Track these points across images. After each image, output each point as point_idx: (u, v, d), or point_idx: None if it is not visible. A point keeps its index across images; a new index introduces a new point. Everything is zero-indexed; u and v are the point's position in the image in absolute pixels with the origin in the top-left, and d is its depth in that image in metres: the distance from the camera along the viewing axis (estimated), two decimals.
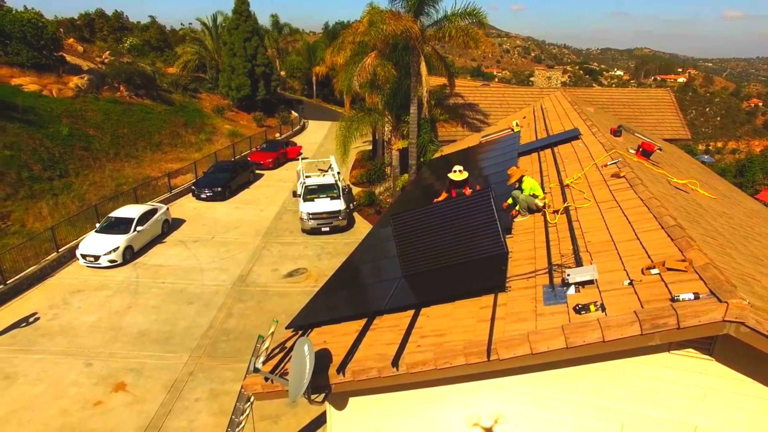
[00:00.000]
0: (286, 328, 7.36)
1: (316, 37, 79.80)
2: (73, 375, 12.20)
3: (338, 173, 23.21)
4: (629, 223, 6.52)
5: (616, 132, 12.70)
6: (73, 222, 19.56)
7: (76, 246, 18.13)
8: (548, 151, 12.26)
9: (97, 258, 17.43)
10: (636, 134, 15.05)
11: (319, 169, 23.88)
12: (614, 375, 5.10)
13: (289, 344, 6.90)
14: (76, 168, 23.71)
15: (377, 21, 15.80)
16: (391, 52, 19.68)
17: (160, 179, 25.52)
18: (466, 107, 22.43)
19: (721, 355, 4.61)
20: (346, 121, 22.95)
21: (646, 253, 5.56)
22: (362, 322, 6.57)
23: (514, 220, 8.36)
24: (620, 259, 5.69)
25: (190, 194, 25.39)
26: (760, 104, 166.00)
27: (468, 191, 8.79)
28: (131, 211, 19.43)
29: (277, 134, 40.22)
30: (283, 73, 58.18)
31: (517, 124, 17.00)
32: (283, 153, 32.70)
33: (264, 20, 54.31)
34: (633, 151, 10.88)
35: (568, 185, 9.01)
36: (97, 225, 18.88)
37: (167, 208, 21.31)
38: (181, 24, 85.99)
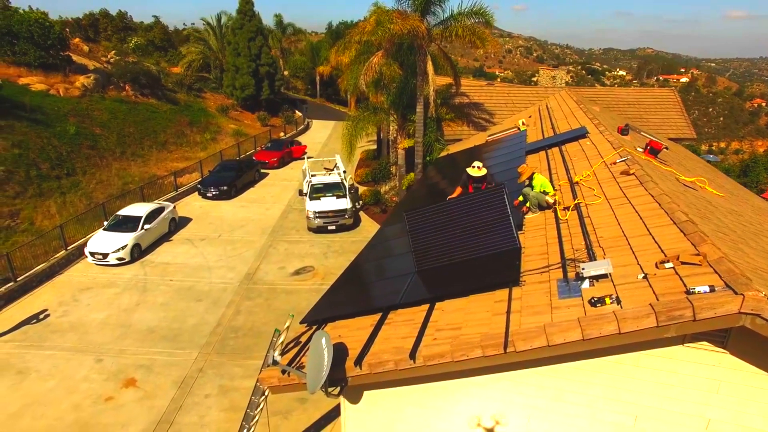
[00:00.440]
0: (301, 323, 7.45)
1: (320, 37, 79.88)
2: (84, 371, 12.32)
3: (344, 172, 23.31)
4: (641, 218, 6.59)
5: (624, 131, 12.76)
6: (81, 220, 19.70)
7: (85, 244, 18.26)
8: (556, 149, 12.34)
9: (105, 256, 17.56)
10: (642, 133, 15.10)
11: (325, 168, 23.98)
12: (628, 368, 5.16)
13: (303, 339, 6.99)
14: (83, 167, 23.85)
15: (384, 20, 15.87)
16: (397, 52, 19.76)
17: (166, 178, 25.66)
18: (472, 106, 22.51)
19: (735, 348, 4.67)
20: (353, 120, 23.04)
21: (659, 247, 5.63)
22: (377, 316, 6.65)
23: (525, 216, 8.44)
24: (633, 253, 5.77)
25: (196, 193, 25.53)
26: (764, 104, 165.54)
27: (484, 186, 8.84)
28: (139, 209, 19.56)
29: (281, 134, 40.34)
30: (286, 72, 58.31)
31: (523, 123, 17.07)
32: (287, 152, 32.79)
33: (268, 20, 54.44)
34: (641, 150, 10.94)
35: (577, 182, 9.09)
36: (105, 223, 19.00)
37: (174, 207, 21.44)
38: (184, 24, 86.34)
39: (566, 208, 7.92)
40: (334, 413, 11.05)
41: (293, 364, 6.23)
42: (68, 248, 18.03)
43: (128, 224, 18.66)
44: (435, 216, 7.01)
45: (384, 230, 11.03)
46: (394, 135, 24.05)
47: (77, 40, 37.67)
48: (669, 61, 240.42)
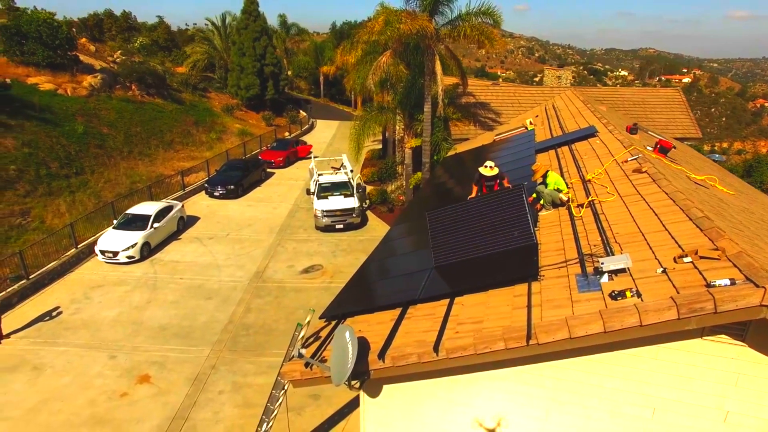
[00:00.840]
0: (320, 318, 7.57)
1: (323, 38, 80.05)
2: (98, 367, 12.47)
3: (351, 171, 23.43)
4: (656, 215, 6.69)
5: (632, 130, 12.87)
6: (90, 219, 19.85)
7: (95, 242, 18.43)
8: (566, 148, 12.44)
9: (115, 254, 17.71)
10: (650, 132, 15.19)
11: (332, 167, 24.11)
12: (646, 361, 5.26)
13: (323, 334, 7.11)
14: (92, 166, 24.01)
15: (393, 20, 16.00)
16: (403, 52, 19.88)
17: (174, 177, 25.82)
18: (478, 106, 22.62)
19: (754, 341, 4.77)
20: (361, 119, 23.19)
21: (677, 243, 5.74)
22: (396, 311, 6.77)
23: (539, 213, 8.56)
24: (650, 248, 5.87)
25: (203, 192, 25.69)
26: (767, 105, 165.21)
27: (497, 187, 8.95)
28: (148, 208, 19.71)
29: (286, 133, 40.51)
30: (290, 73, 58.46)
31: (530, 123, 17.17)
32: (293, 152, 32.96)
33: (272, 20, 54.65)
34: (650, 148, 11.04)
35: (589, 180, 9.19)
36: (115, 222, 19.16)
37: (182, 206, 21.59)
38: (186, 24, 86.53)
39: (580, 206, 8.03)
40: (347, 410, 11.19)
41: (316, 358, 6.34)
42: (78, 246, 18.19)
43: (137, 223, 18.82)
44: (455, 214, 7.14)
45: (398, 228, 11.15)
46: (401, 134, 24.18)
47: (84, 40, 37.87)
48: (671, 61, 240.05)
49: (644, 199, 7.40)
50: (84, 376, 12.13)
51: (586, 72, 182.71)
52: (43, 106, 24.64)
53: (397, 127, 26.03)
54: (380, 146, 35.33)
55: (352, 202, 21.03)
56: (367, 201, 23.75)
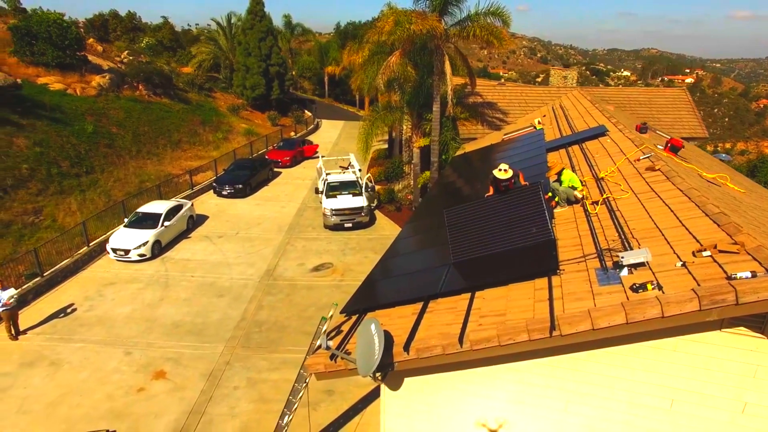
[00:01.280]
0: (341, 312, 7.73)
1: (327, 38, 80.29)
2: (114, 363, 12.64)
3: (359, 170, 23.61)
4: (672, 211, 6.83)
5: (642, 129, 13.00)
6: (101, 217, 20.05)
7: (106, 240, 18.61)
8: (576, 147, 12.58)
9: (127, 252, 17.90)
10: (658, 132, 15.33)
11: (340, 167, 24.29)
12: (666, 353, 5.39)
13: (345, 328, 7.27)
14: (101, 165, 24.22)
15: (404, 20, 16.16)
16: (412, 52, 20.04)
17: (182, 176, 26.01)
18: (486, 106, 22.76)
19: None
20: (370, 118, 23.38)
21: (694, 237, 5.88)
22: (417, 305, 6.92)
23: (554, 211, 8.69)
24: (668, 243, 6.01)
25: (212, 191, 25.88)
26: None
27: (512, 186, 9.08)
28: (158, 206, 19.90)
29: (292, 133, 40.71)
30: (294, 73, 58.69)
31: (538, 122, 17.31)
32: (300, 151, 33.15)
33: (276, 21, 54.84)
34: (661, 147, 11.18)
35: (602, 178, 9.33)
36: (126, 220, 19.35)
37: (191, 204, 21.78)
38: (188, 25, 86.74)
39: (595, 203, 8.18)
40: (361, 405, 11.34)
41: (340, 351, 6.49)
42: (90, 245, 18.39)
43: (148, 221, 19.01)
44: (472, 211, 7.29)
45: (412, 225, 11.30)
46: (409, 134, 24.34)
47: (91, 40, 38.10)
48: (673, 61, 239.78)
49: (659, 196, 7.54)
50: (101, 371, 12.30)
51: (588, 72, 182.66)
52: (53, 106, 24.86)
53: (405, 127, 26.18)
54: (386, 146, 35.51)
55: (361, 201, 21.20)
56: (376, 200, 23.92)
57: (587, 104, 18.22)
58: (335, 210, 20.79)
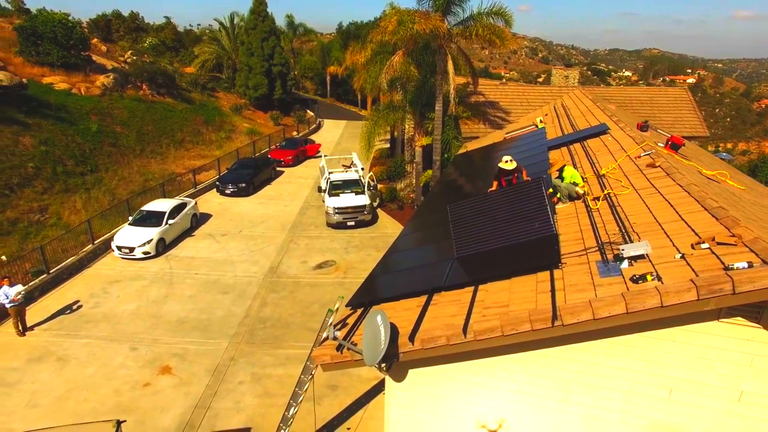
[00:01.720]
0: (346, 306, 7.86)
1: (329, 38, 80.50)
2: (120, 358, 12.79)
3: (362, 169, 23.76)
4: (671, 206, 6.96)
5: (643, 127, 13.13)
6: (105, 215, 20.23)
7: (111, 238, 18.80)
8: (578, 145, 12.71)
9: (132, 250, 18.06)
10: (659, 131, 15.45)
11: (343, 165, 24.45)
12: (665, 343, 5.52)
13: (350, 320, 7.40)
14: (105, 163, 24.40)
15: (407, 20, 16.31)
16: (414, 51, 20.19)
17: (185, 175, 26.19)
18: (487, 105, 22.90)
19: None
20: (372, 117, 23.55)
21: (693, 231, 6.01)
22: (422, 298, 7.06)
23: (556, 207, 8.82)
24: (668, 237, 6.14)
25: (215, 190, 26.07)
26: None
27: (515, 181, 9.22)
28: (162, 204, 20.07)
29: (294, 132, 40.89)
30: (296, 72, 58.88)
31: (540, 121, 17.42)
32: (302, 150, 33.33)
33: (279, 21, 55.06)
34: (662, 145, 11.30)
35: (603, 175, 9.46)
36: (130, 218, 19.52)
37: (195, 203, 21.94)
38: (189, 25, 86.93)
39: (596, 198, 8.31)
40: (364, 399, 11.48)
41: (347, 341, 6.63)
42: (95, 242, 18.56)
43: (153, 219, 19.17)
44: (475, 207, 7.42)
45: (415, 222, 11.44)
46: (411, 133, 24.48)
47: (95, 40, 38.34)
48: (675, 61, 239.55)
49: (659, 192, 7.67)
50: (107, 366, 12.45)
51: (590, 72, 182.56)
52: (58, 105, 25.07)
53: (407, 126, 26.33)
54: (388, 145, 35.67)
55: (363, 200, 21.35)
56: (378, 199, 24.06)
57: (589, 103, 18.34)
58: (338, 208, 20.95)
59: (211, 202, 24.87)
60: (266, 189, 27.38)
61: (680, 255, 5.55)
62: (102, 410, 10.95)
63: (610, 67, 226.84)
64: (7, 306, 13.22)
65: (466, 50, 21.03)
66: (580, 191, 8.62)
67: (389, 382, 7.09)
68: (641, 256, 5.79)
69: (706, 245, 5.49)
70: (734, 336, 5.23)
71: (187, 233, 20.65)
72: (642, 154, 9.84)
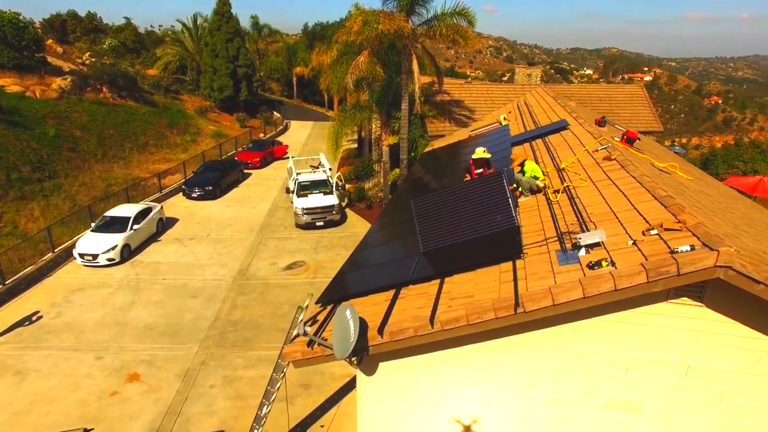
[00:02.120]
0: (316, 303, 7.92)
1: (295, 39, 79.88)
2: (85, 368, 12.45)
3: (330, 169, 23.78)
4: (625, 197, 7.32)
5: (601, 123, 13.65)
6: (66, 222, 19.58)
7: (72, 246, 18.22)
8: (539, 141, 13.12)
9: (95, 257, 17.57)
10: (616, 126, 16.08)
11: (311, 166, 24.41)
12: (620, 325, 5.82)
13: (320, 317, 7.47)
14: (65, 169, 23.60)
15: (372, 20, 16.45)
16: (380, 51, 20.36)
17: (150, 179, 25.61)
18: (453, 103, 23.28)
19: (711, 301, 5.37)
20: (339, 118, 23.61)
21: (644, 219, 6.35)
22: (390, 293, 7.19)
23: (518, 200, 9.12)
24: (621, 225, 6.47)
25: (181, 194, 25.60)
26: (720, 102, 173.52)
27: (485, 172, 9.49)
28: (127, 210, 19.60)
29: (261, 134, 40.50)
30: (262, 74, 58.19)
31: (504, 118, 17.87)
32: (269, 152, 33.07)
33: (244, 21, 54.19)
34: (618, 139, 11.79)
35: (563, 169, 9.83)
36: (93, 224, 18.98)
37: (161, 207, 21.51)
38: (151, 26, 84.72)
39: (556, 191, 8.64)
40: (337, 397, 11.55)
41: (317, 337, 6.70)
42: (56, 250, 17.95)
43: (117, 225, 18.72)
44: (439, 201, 7.60)
45: (383, 219, 11.58)
46: (378, 132, 24.64)
47: (50, 41, 36.94)
48: (633, 60, 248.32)
49: (614, 183, 8.04)
50: (71, 377, 12.09)
51: (552, 71, 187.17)
52: (10, 109, 24.06)
53: (374, 126, 26.47)
54: (356, 145, 35.76)
55: (332, 200, 21.38)
56: (346, 199, 24.12)
57: (550, 101, 18.90)
58: (306, 209, 20.92)
59: (177, 206, 24.40)
60: (234, 191, 27.06)
61: (632, 241, 5.86)
62: (66, 422, 10.65)
63: (572, 65, 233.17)
64: None
65: (431, 50, 21.33)
66: (541, 184, 8.94)
67: (361, 376, 7.20)
68: (597, 244, 6.08)
69: (655, 231, 5.82)
70: (681, 315, 5.57)
71: (153, 238, 20.22)
72: (599, 148, 10.26)
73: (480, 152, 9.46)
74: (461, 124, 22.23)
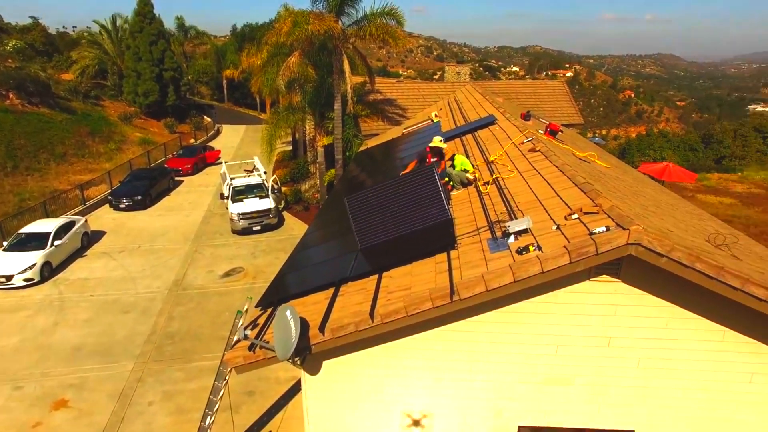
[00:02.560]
0: (256, 306, 7.78)
1: (223, 40, 77.33)
2: (1, 401, 11.43)
3: (264, 173, 23.33)
4: (549, 185, 7.77)
5: (526, 117, 14.35)
6: None
7: None
8: (469, 136, 13.59)
9: (9, 278, 16.23)
10: (540, 119, 16.96)
11: (245, 170, 23.84)
12: (549, 305, 6.18)
13: (261, 320, 7.35)
14: None
15: (301, 21, 16.31)
16: (311, 52, 20.24)
17: (71, 191, 23.93)
18: (386, 102, 23.56)
19: (626, 276, 5.84)
20: (272, 120, 23.20)
21: (566, 204, 6.78)
22: (330, 291, 7.21)
23: (450, 193, 9.41)
24: (546, 211, 6.87)
25: (107, 205, 24.17)
26: (632, 96, 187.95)
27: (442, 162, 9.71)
28: (46, 225, 18.26)
29: (192, 140, 38.97)
30: (190, 77, 55.89)
31: (435, 116, 18.33)
32: (201, 158, 31.96)
33: (168, 23, 51.72)
34: (542, 132, 12.46)
35: (492, 161, 10.26)
36: (5, 243, 17.51)
37: (85, 220, 20.20)
38: (63, 27, 79.00)
39: (486, 183, 9.00)
40: (283, 401, 11.39)
41: (258, 341, 6.59)
42: None
43: (34, 242, 17.39)
44: (373, 197, 7.67)
45: (320, 220, 11.53)
46: (312, 133, 24.45)
47: None
48: (555, 57, 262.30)
49: (539, 173, 8.50)
50: None
51: (481, 69, 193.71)
52: None
53: (308, 127, 26.24)
54: (290, 148, 35.27)
55: (268, 203, 21.01)
56: (283, 202, 23.76)
57: (479, 97, 19.60)
58: (242, 214, 20.42)
59: (103, 218, 23.00)
60: (165, 200, 25.88)
61: (556, 226, 6.24)
62: None
63: (500, 63, 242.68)
64: None
65: (363, 50, 21.45)
66: (471, 177, 9.28)
67: (305, 376, 7.15)
68: (525, 231, 6.42)
69: (576, 216, 6.23)
70: (602, 291, 6.00)
71: (78, 253, 18.96)
72: (525, 141, 10.79)
73: (437, 141, 9.73)
74: (394, 122, 22.55)
